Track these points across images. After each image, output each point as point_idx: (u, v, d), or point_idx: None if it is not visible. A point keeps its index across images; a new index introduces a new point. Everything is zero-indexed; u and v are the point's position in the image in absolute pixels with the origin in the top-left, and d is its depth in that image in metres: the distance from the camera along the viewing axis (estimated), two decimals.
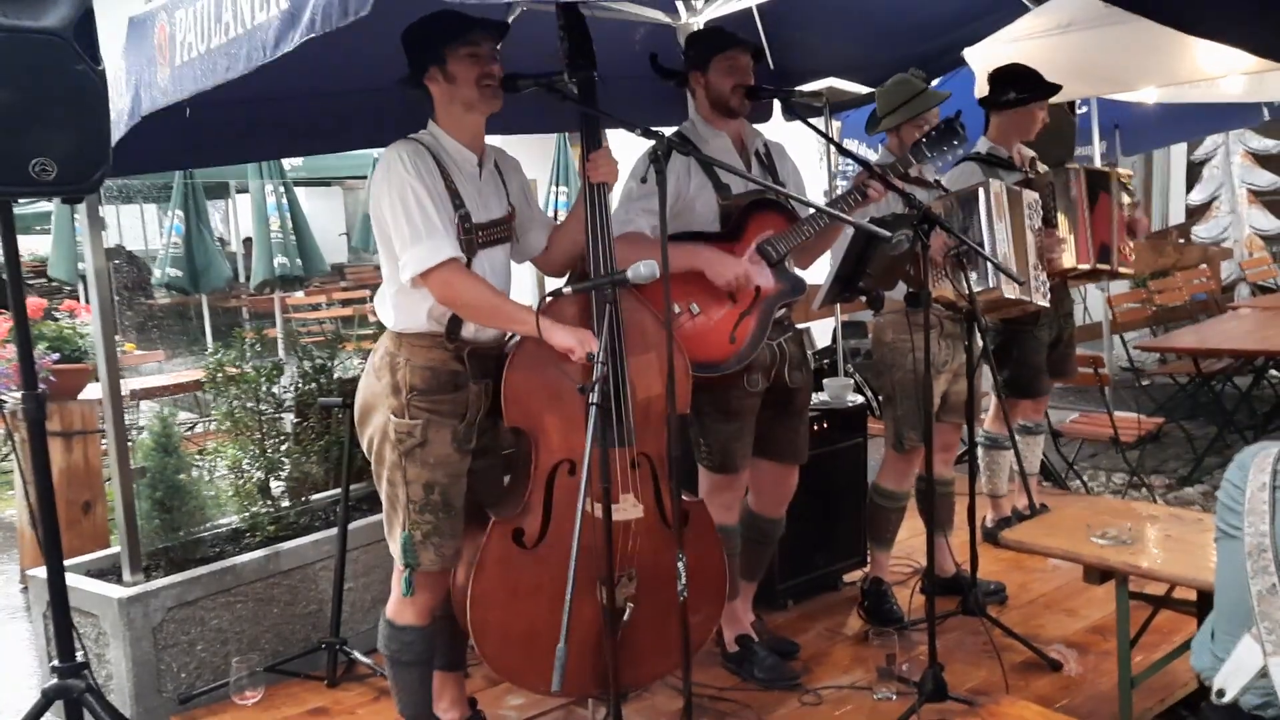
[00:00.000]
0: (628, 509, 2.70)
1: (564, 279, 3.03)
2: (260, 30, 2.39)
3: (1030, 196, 3.63)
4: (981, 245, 3.32)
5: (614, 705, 2.54)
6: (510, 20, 3.54)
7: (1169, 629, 3.21)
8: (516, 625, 2.67)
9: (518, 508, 2.72)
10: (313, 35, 2.15)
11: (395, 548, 2.71)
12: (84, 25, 2.41)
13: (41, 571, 2.72)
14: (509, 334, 2.74)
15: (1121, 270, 4.02)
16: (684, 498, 2.85)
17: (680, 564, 2.49)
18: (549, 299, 2.69)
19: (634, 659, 2.75)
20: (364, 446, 2.77)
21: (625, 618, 2.69)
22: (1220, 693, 1.98)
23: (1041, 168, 4.07)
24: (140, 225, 15.80)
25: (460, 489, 2.69)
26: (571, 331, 2.58)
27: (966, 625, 3.52)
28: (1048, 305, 3.70)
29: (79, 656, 2.64)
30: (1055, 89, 3.90)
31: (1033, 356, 4.12)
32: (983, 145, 3.98)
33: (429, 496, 2.64)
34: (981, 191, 3.41)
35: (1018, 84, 3.90)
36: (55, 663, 2.62)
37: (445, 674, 2.94)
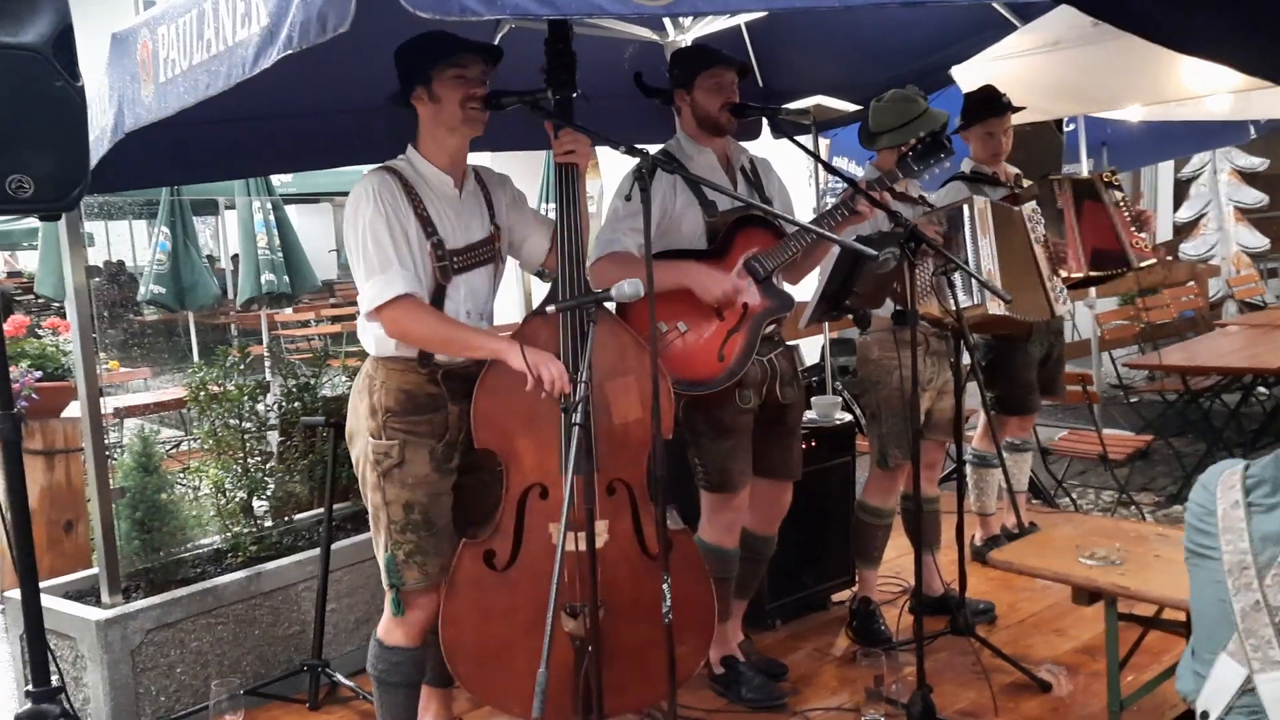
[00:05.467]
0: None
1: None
2: (241, 47, 2.36)
3: (1029, 208, 3.63)
4: (966, 262, 3.32)
5: None
6: (498, 37, 3.55)
7: (1158, 649, 3.19)
8: (488, 646, 2.66)
9: (490, 529, 2.70)
10: (290, 52, 2.13)
11: (381, 568, 2.70)
12: (63, 41, 2.39)
13: (18, 593, 2.68)
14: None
15: (1142, 265, 4.02)
16: (669, 526, 2.82)
17: (665, 585, 2.46)
18: (527, 318, 2.69)
19: (618, 688, 2.69)
20: (355, 469, 2.77)
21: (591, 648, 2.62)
22: (1204, 715, 1.97)
23: (1026, 183, 4.08)
24: (129, 241, 15.77)
25: (442, 507, 2.67)
26: (532, 354, 2.52)
27: (955, 645, 3.49)
28: (1070, 310, 3.71)
29: (54, 680, 2.60)
30: (994, 110, 3.89)
31: (1024, 373, 4.12)
32: (967, 165, 4.02)
33: (409, 516, 2.63)
34: (965, 208, 3.41)
35: (970, 110, 3.92)
36: (30, 687, 2.58)
37: (432, 689, 2.92)
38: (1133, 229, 3.99)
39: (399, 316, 2.56)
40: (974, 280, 3.28)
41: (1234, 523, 1.93)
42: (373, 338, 2.67)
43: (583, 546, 2.51)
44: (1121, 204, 3.98)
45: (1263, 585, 1.88)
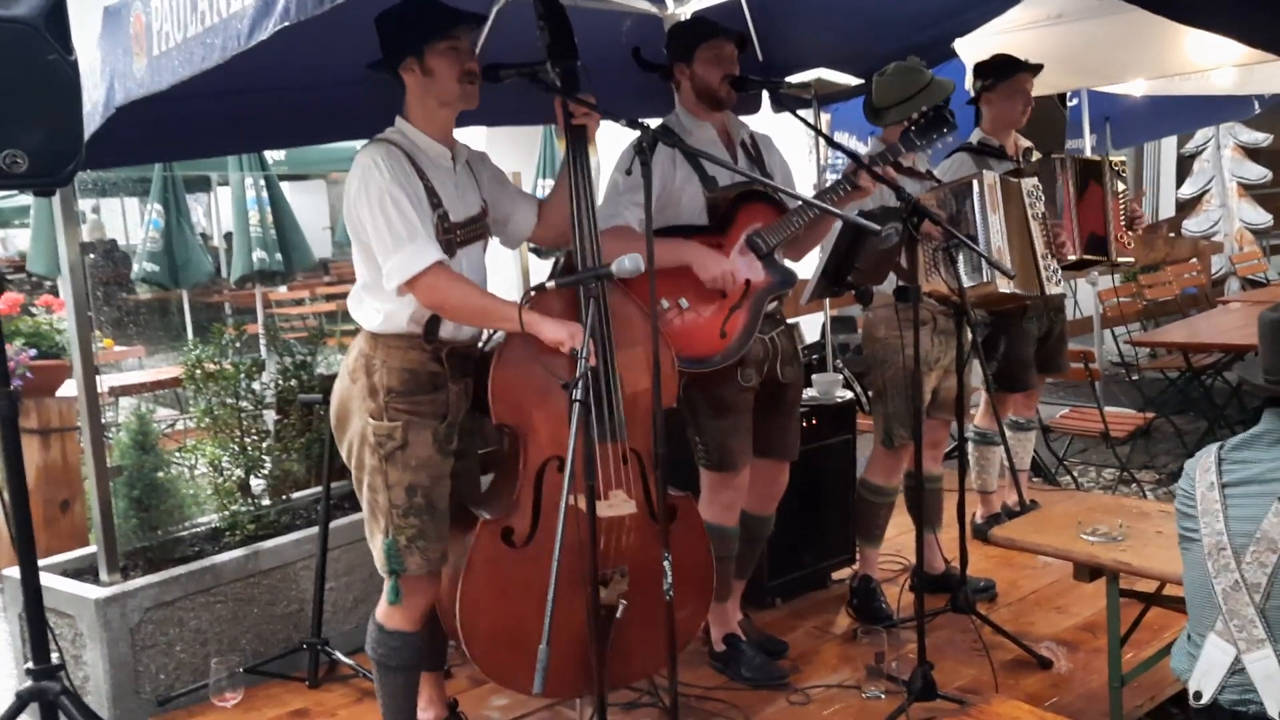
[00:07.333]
0: (618, 504, 2.65)
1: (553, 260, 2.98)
2: (236, 19, 2.33)
3: (1030, 183, 3.60)
4: (974, 238, 3.29)
5: (600, 706, 2.50)
6: (495, 9, 3.50)
7: (1159, 626, 3.19)
8: (506, 625, 2.62)
9: (507, 506, 2.67)
10: (287, 23, 2.10)
11: (378, 555, 2.63)
12: (55, 14, 2.35)
13: (16, 572, 2.68)
14: (485, 333, 2.69)
15: (1120, 260, 4.00)
16: (671, 492, 2.81)
17: (666, 563, 2.45)
18: (533, 293, 2.64)
19: (626, 656, 2.71)
20: (343, 453, 2.69)
21: (619, 614, 2.64)
22: (1197, 695, 2.00)
23: (1036, 156, 4.04)
24: (121, 219, 15.68)
25: (443, 490, 2.64)
26: (561, 324, 2.53)
27: (956, 623, 3.49)
28: (1063, 292, 3.68)
29: (54, 658, 2.59)
30: (1025, 67, 3.85)
31: (1020, 349, 4.10)
32: (975, 136, 3.97)
33: (412, 499, 2.58)
34: (975, 184, 3.38)
35: (992, 72, 3.88)
36: (30, 665, 2.57)
37: (424, 673, 2.89)
38: (1123, 223, 3.98)
39: (437, 284, 2.49)
40: (982, 257, 3.25)
41: (1210, 505, 1.98)
42: (381, 313, 2.58)
43: (605, 514, 2.50)
44: (1120, 196, 3.97)
45: (1241, 566, 1.92)
